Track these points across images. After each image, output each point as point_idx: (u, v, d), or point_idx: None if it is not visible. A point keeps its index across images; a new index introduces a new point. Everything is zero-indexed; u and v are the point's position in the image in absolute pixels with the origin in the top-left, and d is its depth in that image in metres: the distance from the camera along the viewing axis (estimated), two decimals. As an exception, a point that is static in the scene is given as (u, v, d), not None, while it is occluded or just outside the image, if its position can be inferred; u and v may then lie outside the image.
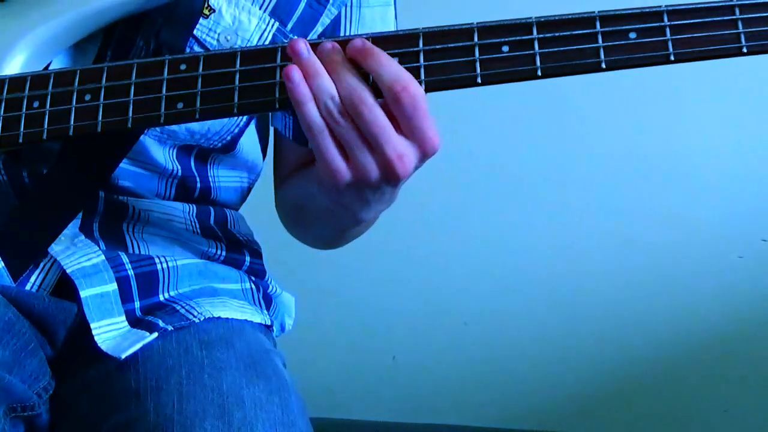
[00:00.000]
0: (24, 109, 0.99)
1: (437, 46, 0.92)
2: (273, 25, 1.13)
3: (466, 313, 2.29)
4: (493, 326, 2.29)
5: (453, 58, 0.92)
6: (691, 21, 0.88)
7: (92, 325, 1.07)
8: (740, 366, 2.24)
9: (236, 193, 1.29)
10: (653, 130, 2.16)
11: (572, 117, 2.17)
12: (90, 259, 1.11)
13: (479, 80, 0.91)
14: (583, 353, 2.27)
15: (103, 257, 1.12)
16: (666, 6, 0.89)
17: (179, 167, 1.17)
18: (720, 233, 2.19)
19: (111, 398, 1.02)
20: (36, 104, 0.99)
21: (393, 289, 2.30)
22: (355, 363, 2.35)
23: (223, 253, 1.24)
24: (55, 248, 1.10)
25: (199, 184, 1.21)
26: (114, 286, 1.11)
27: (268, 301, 1.29)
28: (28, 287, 1.09)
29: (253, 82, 0.94)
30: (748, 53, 0.88)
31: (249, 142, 1.24)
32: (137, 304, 1.13)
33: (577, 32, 0.90)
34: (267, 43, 1.12)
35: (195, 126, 1.13)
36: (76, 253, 1.11)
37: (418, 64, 0.92)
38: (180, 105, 0.96)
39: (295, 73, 0.89)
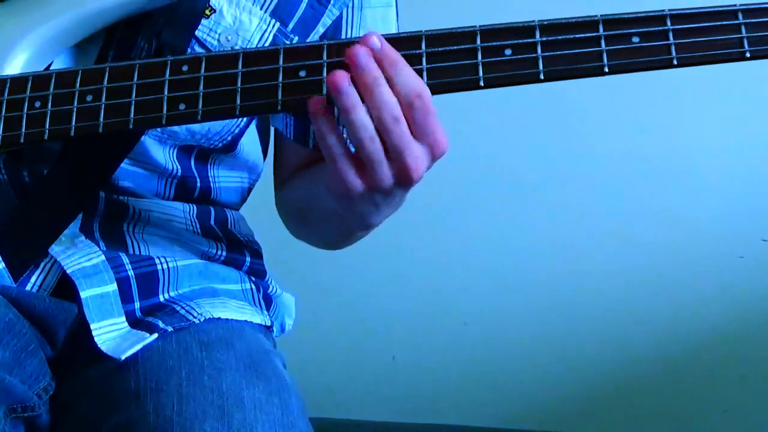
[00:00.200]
0: (25, 110, 0.99)
1: (440, 49, 0.92)
2: (274, 26, 1.13)
3: (466, 313, 2.29)
4: (493, 326, 2.29)
5: (456, 60, 0.92)
6: (694, 25, 0.88)
7: (92, 326, 1.07)
8: (740, 366, 2.23)
9: (236, 194, 1.28)
10: (653, 130, 2.16)
11: (572, 117, 2.17)
12: (90, 260, 1.11)
13: (482, 83, 0.92)
14: (583, 353, 2.27)
15: (103, 257, 1.12)
16: (669, 10, 0.89)
17: (179, 167, 1.17)
18: (720, 233, 2.18)
19: (111, 399, 1.02)
20: (37, 104, 0.99)
21: (393, 289, 2.30)
22: (355, 363, 2.35)
23: (224, 254, 1.24)
24: (56, 248, 1.10)
25: (199, 185, 1.21)
26: (114, 286, 1.11)
27: (268, 302, 1.29)
28: (28, 287, 1.09)
29: (256, 84, 0.94)
30: (751, 58, 0.88)
31: (250, 142, 1.24)
32: (137, 305, 1.13)
33: (580, 36, 0.90)
34: (268, 43, 1.12)
35: (195, 126, 1.13)
36: (77, 254, 1.11)
37: (420, 67, 0.91)
38: (182, 106, 0.96)
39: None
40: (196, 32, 1.09)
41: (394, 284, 2.30)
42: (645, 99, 2.11)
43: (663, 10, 0.89)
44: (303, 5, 1.14)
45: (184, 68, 0.96)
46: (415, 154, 0.90)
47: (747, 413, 2.25)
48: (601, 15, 0.90)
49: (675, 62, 0.89)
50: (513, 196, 2.23)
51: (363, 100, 0.89)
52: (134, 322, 1.11)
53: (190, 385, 1.00)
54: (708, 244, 2.19)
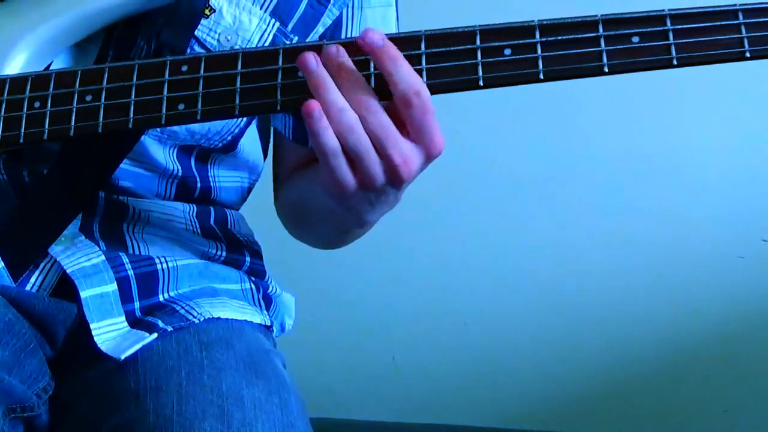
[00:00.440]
0: (25, 110, 0.99)
1: (439, 49, 0.92)
2: (273, 26, 1.13)
3: (466, 313, 2.29)
4: (493, 326, 2.29)
5: (455, 60, 0.91)
6: (694, 25, 0.88)
7: (92, 326, 1.07)
8: (740, 366, 2.23)
9: (236, 193, 1.28)
10: (654, 130, 2.16)
11: (572, 117, 2.17)
12: (90, 260, 1.11)
13: (481, 83, 0.91)
14: (583, 353, 2.27)
15: (103, 257, 1.12)
16: (669, 10, 0.89)
17: (179, 167, 1.17)
18: (720, 233, 2.18)
19: (110, 399, 1.02)
20: (37, 104, 0.99)
21: (393, 289, 2.30)
22: (355, 363, 2.35)
23: (224, 254, 1.24)
24: (56, 248, 1.10)
25: (199, 184, 1.21)
26: (114, 286, 1.11)
27: (268, 302, 1.29)
28: (28, 287, 1.09)
29: (255, 84, 0.94)
30: (751, 58, 0.87)
31: (250, 142, 1.24)
32: (137, 305, 1.13)
33: (579, 36, 0.90)
34: (267, 43, 1.12)
35: (195, 126, 1.13)
36: (77, 254, 1.11)
37: (420, 67, 0.91)
38: (181, 106, 0.96)
39: (315, 106, 0.89)
40: (196, 32, 1.09)
41: (394, 284, 2.30)
42: (645, 99, 2.11)
43: (663, 10, 0.89)
44: (303, 5, 1.14)
45: (184, 68, 0.96)
46: (403, 151, 0.90)
47: (747, 413, 2.25)
48: (600, 15, 0.90)
49: (675, 62, 0.89)
50: (513, 196, 2.23)
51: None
52: (134, 322, 1.11)
53: (190, 384, 1.00)
54: (708, 244, 2.19)
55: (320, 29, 1.16)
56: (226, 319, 1.14)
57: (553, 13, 0.91)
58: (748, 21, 0.87)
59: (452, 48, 0.91)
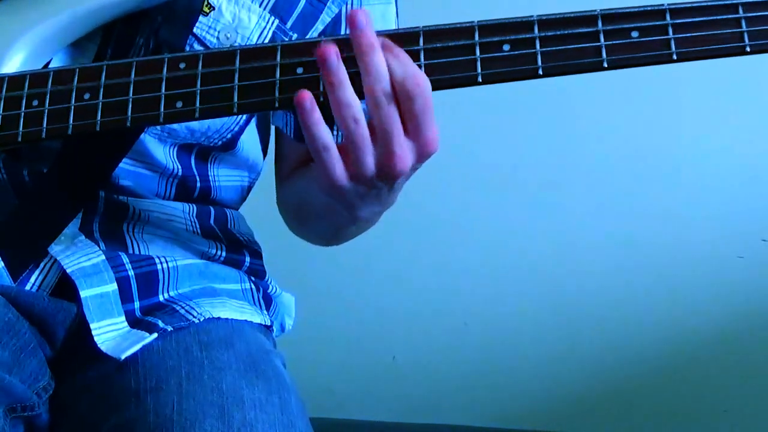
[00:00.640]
0: (23, 108, 0.99)
1: (438, 45, 0.92)
2: (273, 23, 1.13)
3: (466, 313, 2.29)
4: (493, 326, 2.29)
5: (454, 56, 0.91)
6: (694, 20, 0.88)
7: (92, 326, 1.07)
8: (740, 366, 2.23)
9: (236, 193, 1.28)
10: (653, 130, 2.16)
11: (572, 116, 2.17)
12: (90, 259, 1.11)
13: (480, 79, 0.91)
14: (583, 353, 2.27)
15: (103, 257, 1.12)
16: (668, 4, 0.89)
17: (179, 166, 1.17)
18: (720, 233, 2.18)
19: (111, 398, 1.02)
20: (35, 103, 0.99)
21: (393, 289, 2.30)
22: (355, 363, 2.34)
23: (223, 254, 1.24)
24: (55, 248, 1.10)
25: (199, 184, 1.21)
26: (114, 286, 1.11)
27: (268, 302, 1.29)
28: (28, 287, 1.09)
29: (253, 81, 0.94)
30: (752, 52, 0.87)
31: (250, 140, 1.24)
32: (137, 305, 1.13)
33: (578, 31, 0.90)
34: (267, 40, 1.12)
35: (195, 124, 1.13)
36: (77, 253, 1.11)
37: (418, 63, 0.91)
38: (179, 104, 0.96)
39: (306, 95, 0.89)
40: (195, 30, 1.09)
41: (394, 284, 2.30)
42: (645, 98, 2.11)
43: (662, 5, 0.89)
44: (302, 2, 1.14)
45: (182, 66, 0.96)
46: (402, 144, 0.90)
47: (747, 413, 2.25)
48: (600, 10, 0.90)
49: (674, 57, 0.88)
50: (513, 196, 2.23)
51: (352, 80, 0.88)
52: (134, 322, 1.11)
53: (190, 384, 1.00)
54: (708, 244, 2.19)
55: (319, 27, 1.16)
56: (226, 319, 1.14)
57: (552, 9, 0.91)
58: (748, 15, 0.87)
59: (450, 44, 0.91)
